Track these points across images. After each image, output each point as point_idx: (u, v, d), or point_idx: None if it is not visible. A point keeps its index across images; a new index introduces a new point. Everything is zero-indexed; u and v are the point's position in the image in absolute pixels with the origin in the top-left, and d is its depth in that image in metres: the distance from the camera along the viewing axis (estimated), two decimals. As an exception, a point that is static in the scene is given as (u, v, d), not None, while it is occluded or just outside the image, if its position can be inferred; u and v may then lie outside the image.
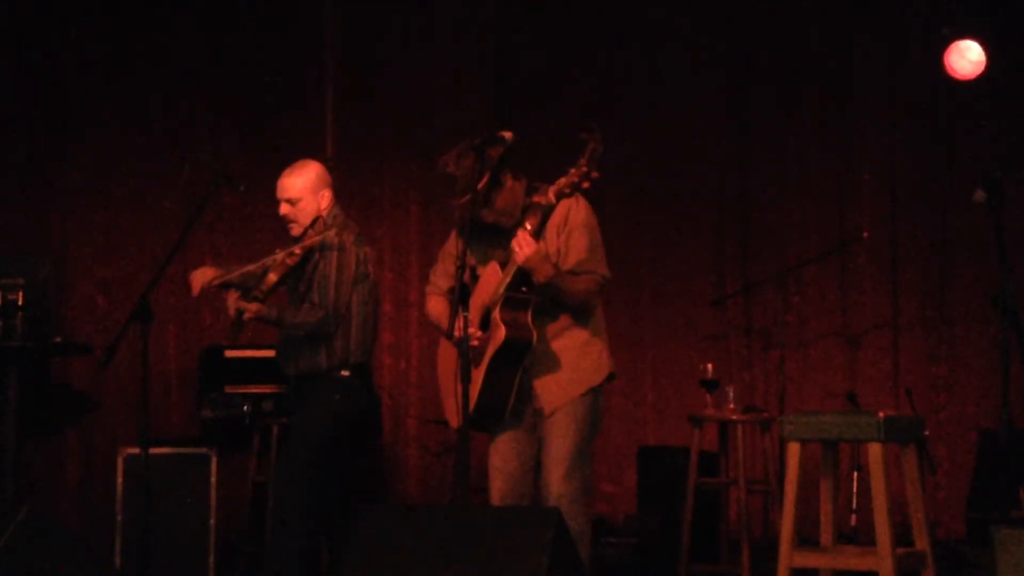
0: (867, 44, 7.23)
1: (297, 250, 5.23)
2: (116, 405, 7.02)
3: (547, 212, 4.46)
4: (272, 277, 5.21)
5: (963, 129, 7.10)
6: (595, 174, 4.35)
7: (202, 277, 5.32)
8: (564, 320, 4.63)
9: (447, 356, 4.78)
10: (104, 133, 7.23)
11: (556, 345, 4.62)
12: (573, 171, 4.37)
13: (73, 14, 7.19)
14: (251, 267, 5.31)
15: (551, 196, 4.42)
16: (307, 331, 5.20)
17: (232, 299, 5.22)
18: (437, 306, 4.86)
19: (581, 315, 4.67)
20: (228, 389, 6.58)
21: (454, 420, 4.69)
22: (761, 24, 7.34)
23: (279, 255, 5.28)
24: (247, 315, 5.17)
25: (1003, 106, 7.01)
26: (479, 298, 4.59)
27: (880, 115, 7.22)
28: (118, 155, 7.24)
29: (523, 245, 4.42)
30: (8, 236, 7.00)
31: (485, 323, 4.57)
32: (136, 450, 5.85)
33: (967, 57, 6.76)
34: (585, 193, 4.42)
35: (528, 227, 4.48)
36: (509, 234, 4.63)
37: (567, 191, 4.39)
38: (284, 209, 5.31)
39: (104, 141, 7.23)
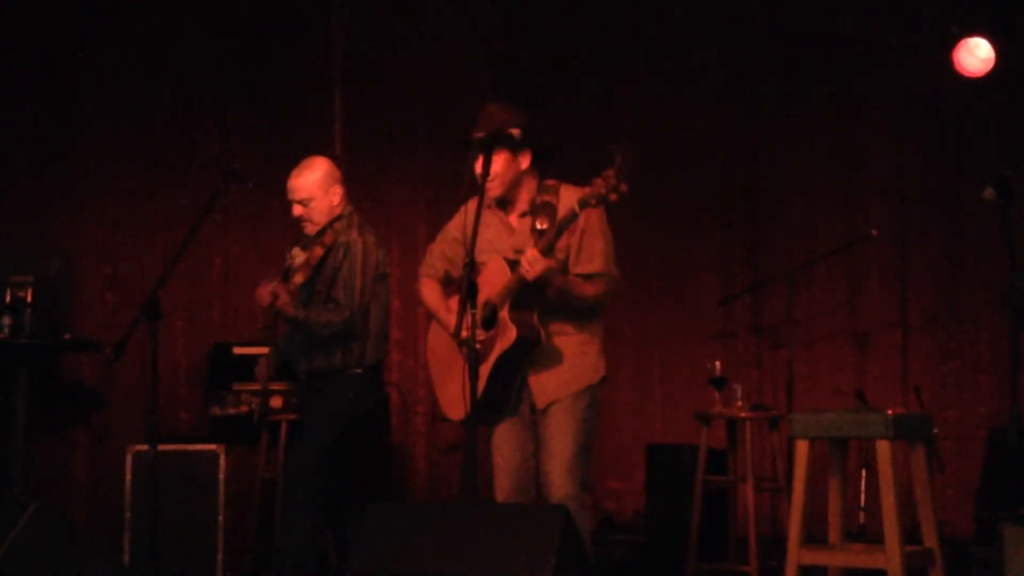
0: (876, 41, 7.21)
1: (319, 250, 5.23)
2: (125, 402, 7.03)
3: (568, 221, 4.43)
4: (298, 279, 5.23)
5: (972, 126, 7.08)
6: (624, 187, 4.27)
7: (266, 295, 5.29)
8: (565, 318, 4.63)
9: (440, 345, 4.79)
10: (113, 131, 7.25)
11: (556, 342, 4.63)
12: (599, 182, 4.29)
13: (82, 12, 7.21)
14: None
15: (575, 206, 4.38)
16: (332, 331, 5.20)
17: (267, 289, 5.22)
18: (432, 293, 4.87)
19: (584, 315, 4.67)
20: (237, 386, 6.59)
21: (451, 412, 4.71)
22: (768, 21, 7.33)
23: (299, 256, 5.29)
24: (280, 303, 5.17)
25: (1013, 103, 6.99)
26: (481, 291, 4.56)
27: (889, 112, 7.21)
28: (127, 153, 7.26)
29: (533, 264, 4.41)
30: (17, 233, 7.01)
31: (486, 319, 4.57)
32: (145, 447, 5.86)
33: (976, 54, 6.74)
34: (604, 199, 4.34)
35: (543, 228, 4.48)
36: (510, 220, 4.65)
37: (592, 202, 4.32)
38: (297, 210, 5.32)
39: (113, 139, 7.25)
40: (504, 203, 4.70)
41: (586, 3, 7.44)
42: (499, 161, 4.59)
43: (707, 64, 7.38)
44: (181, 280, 6.97)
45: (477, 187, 4.53)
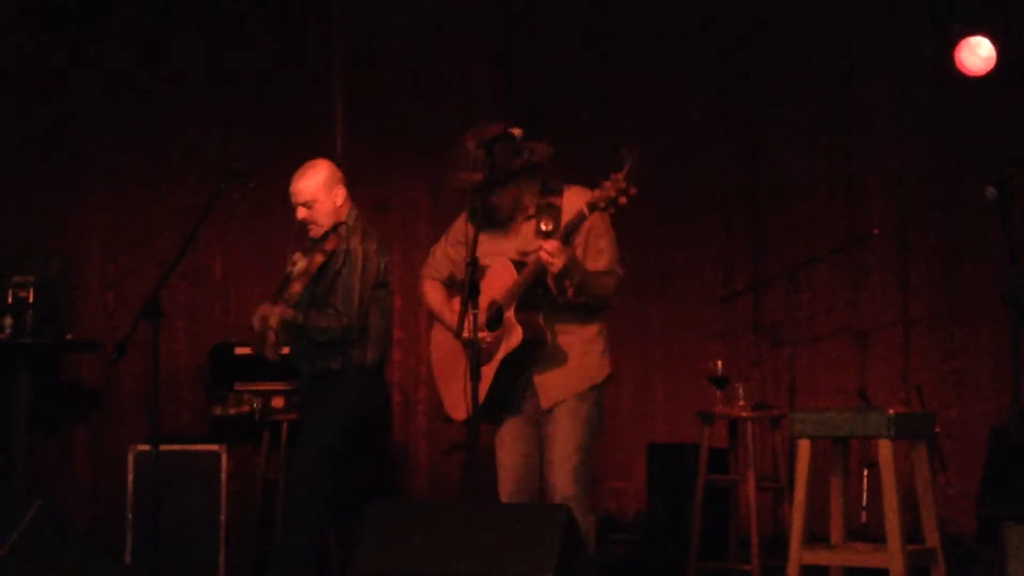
0: (877, 39, 7.21)
1: (320, 257, 5.24)
2: (126, 402, 7.04)
3: (578, 223, 4.42)
4: (297, 287, 5.24)
5: (974, 125, 7.08)
6: (633, 190, 4.29)
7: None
8: (571, 316, 4.63)
9: (443, 346, 4.79)
10: (114, 130, 7.25)
11: (561, 341, 4.63)
12: (609, 185, 4.30)
13: (82, 12, 7.21)
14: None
15: (584, 209, 4.38)
16: (330, 337, 5.21)
17: (258, 314, 5.24)
18: (435, 293, 4.87)
19: (589, 313, 4.67)
20: (238, 386, 6.59)
21: (455, 412, 4.71)
22: (768, 21, 7.33)
23: (300, 261, 5.29)
24: (273, 322, 5.18)
25: (1014, 102, 6.98)
26: (486, 293, 4.57)
27: (890, 111, 7.20)
28: (128, 152, 7.26)
29: (555, 256, 4.40)
30: (19, 233, 7.01)
31: (491, 320, 4.57)
32: (146, 447, 5.87)
33: (978, 53, 6.74)
34: (614, 202, 4.33)
35: (547, 229, 4.48)
36: (513, 225, 4.65)
37: (602, 205, 4.32)
38: (301, 213, 5.32)
39: (113, 138, 7.25)
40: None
41: (586, 3, 7.44)
42: (506, 195, 4.59)
43: (708, 64, 7.38)
44: (182, 280, 6.98)
45: (477, 190, 4.53)
